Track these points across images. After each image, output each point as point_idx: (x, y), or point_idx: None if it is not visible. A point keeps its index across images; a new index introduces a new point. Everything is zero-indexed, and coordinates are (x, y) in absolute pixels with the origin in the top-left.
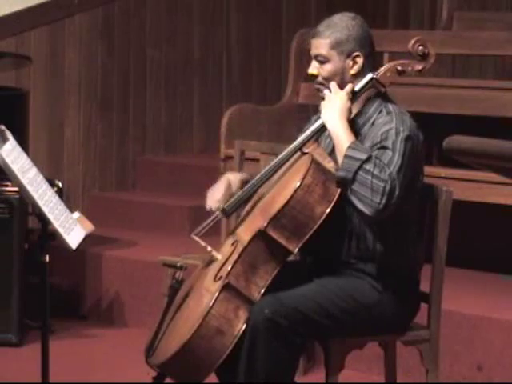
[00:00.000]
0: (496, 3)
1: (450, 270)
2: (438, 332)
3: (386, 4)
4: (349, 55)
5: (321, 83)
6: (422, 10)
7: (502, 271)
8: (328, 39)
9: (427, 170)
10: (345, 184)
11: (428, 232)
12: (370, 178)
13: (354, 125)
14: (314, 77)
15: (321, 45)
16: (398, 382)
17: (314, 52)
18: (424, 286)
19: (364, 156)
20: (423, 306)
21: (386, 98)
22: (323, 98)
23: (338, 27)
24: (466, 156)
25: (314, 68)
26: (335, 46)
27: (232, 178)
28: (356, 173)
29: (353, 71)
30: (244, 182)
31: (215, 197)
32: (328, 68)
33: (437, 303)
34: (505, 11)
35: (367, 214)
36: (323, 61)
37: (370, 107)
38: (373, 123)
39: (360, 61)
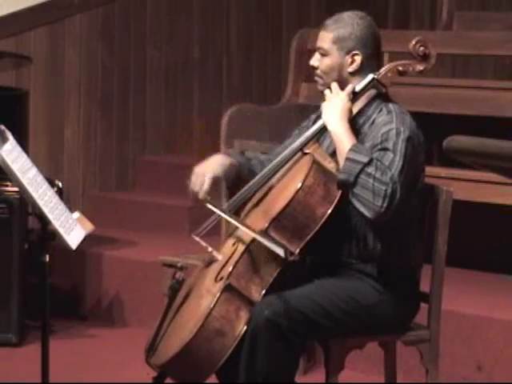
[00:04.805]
0: (496, 3)
1: (450, 270)
2: (438, 332)
3: (386, 4)
4: (348, 52)
5: (319, 76)
6: (422, 10)
7: (502, 271)
8: (331, 33)
9: (427, 170)
10: (346, 187)
11: (428, 232)
12: (371, 181)
13: (354, 124)
14: (314, 68)
15: (324, 37)
16: (397, 381)
17: (317, 44)
18: (424, 286)
19: (365, 159)
20: (423, 306)
21: (386, 97)
22: (322, 92)
23: (344, 23)
24: (466, 156)
25: (315, 60)
26: (336, 41)
27: (221, 161)
28: (357, 176)
29: (350, 69)
30: (232, 166)
31: (198, 181)
32: (327, 62)
33: (437, 303)
34: (505, 11)
35: (369, 218)
36: (324, 54)
37: (371, 106)
38: (373, 122)
39: (358, 59)
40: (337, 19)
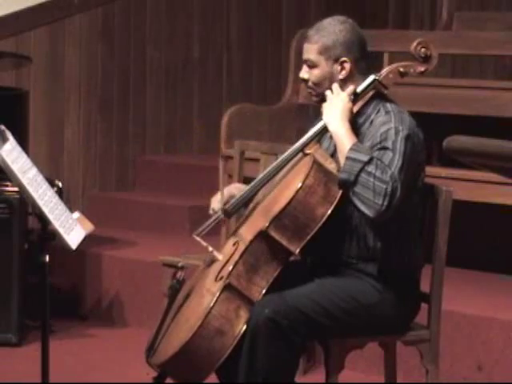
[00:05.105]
0: (496, 3)
1: (450, 270)
2: (438, 332)
3: (386, 4)
4: (336, 60)
5: (311, 87)
6: (422, 10)
7: (502, 271)
8: (316, 44)
9: (427, 169)
10: (347, 186)
11: (428, 232)
12: (372, 179)
13: (353, 124)
14: (304, 81)
15: (309, 50)
16: (397, 381)
17: (304, 56)
18: (424, 286)
19: (366, 158)
20: (423, 306)
21: (384, 97)
22: (319, 101)
23: (326, 32)
24: (466, 156)
25: (304, 72)
26: (322, 51)
27: (235, 185)
28: (358, 175)
29: (341, 76)
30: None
31: (217, 199)
32: (316, 73)
33: (437, 303)
34: (505, 11)
35: (369, 216)
36: (312, 65)
37: (369, 106)
38: (371, 122)
39: (348, 66)
40: (318, 29)
